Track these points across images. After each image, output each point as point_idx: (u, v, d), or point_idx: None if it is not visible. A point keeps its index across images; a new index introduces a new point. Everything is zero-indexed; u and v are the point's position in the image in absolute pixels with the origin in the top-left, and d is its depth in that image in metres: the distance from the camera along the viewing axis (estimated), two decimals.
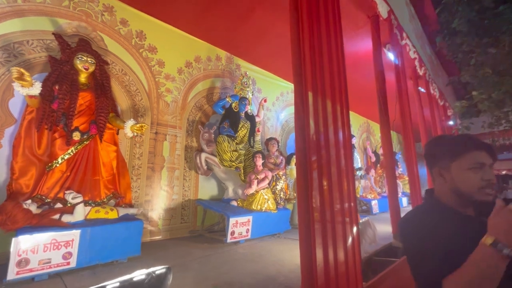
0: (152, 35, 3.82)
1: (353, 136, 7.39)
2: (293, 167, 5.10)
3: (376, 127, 10.48)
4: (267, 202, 3.82)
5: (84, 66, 2.77)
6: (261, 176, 3.87)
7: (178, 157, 3.94)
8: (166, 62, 3.97)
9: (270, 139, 4.63)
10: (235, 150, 4.02)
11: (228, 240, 3.21)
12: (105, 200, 2.78)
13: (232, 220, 3.27)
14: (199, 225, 3.94)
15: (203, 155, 3.94)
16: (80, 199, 2.45)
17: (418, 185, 3.98)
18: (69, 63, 2.75)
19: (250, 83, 4.61)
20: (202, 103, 4.41)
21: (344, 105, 2.02)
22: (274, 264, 2.54)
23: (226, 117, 4.24)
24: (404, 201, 8.06)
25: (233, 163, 3.92)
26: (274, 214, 3.83)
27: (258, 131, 4.32)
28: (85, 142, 2.70)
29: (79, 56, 2.76)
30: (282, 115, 6.04)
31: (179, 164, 3.93)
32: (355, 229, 1.90)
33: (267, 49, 4.73)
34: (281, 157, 4.54)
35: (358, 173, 7.01)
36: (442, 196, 0.89)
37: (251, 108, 4.57)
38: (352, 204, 1.95)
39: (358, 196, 6.94)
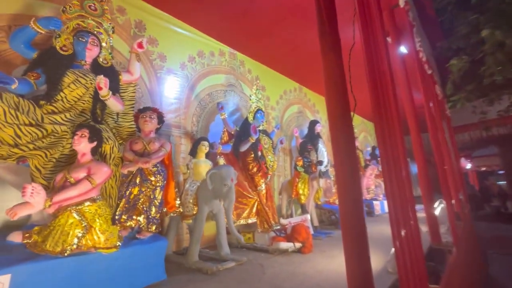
0: None
1: (318, 122, 5.62)
2: (200, 160, 3.10)
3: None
4: (87, 233, 1.75)
5: None
6: (77, 174, 1.80)
7: None
8: None
9: (145, 109, 2.58)
10: (37, 125, 1.91)
11: None
12: None
13: None
14: None
15: None
16: None
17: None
18: None
19: (104, 10, 2.52)
20: None
21: None
22: None
23: (40, 63, 2.14)
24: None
25: (18, 150, 1.82)
26: (107, 258, 1.77)
27: (100, 88, 2.17)
28: None
29: None
30: (199, 84, 4.03)
31: None
32: None
33: None
34: (163, 142, 2.49)
35: (323, 168, 5.12)
36: None
37: (107, 55, 2.50)
38: None
39: (319, 203, 5.07)
